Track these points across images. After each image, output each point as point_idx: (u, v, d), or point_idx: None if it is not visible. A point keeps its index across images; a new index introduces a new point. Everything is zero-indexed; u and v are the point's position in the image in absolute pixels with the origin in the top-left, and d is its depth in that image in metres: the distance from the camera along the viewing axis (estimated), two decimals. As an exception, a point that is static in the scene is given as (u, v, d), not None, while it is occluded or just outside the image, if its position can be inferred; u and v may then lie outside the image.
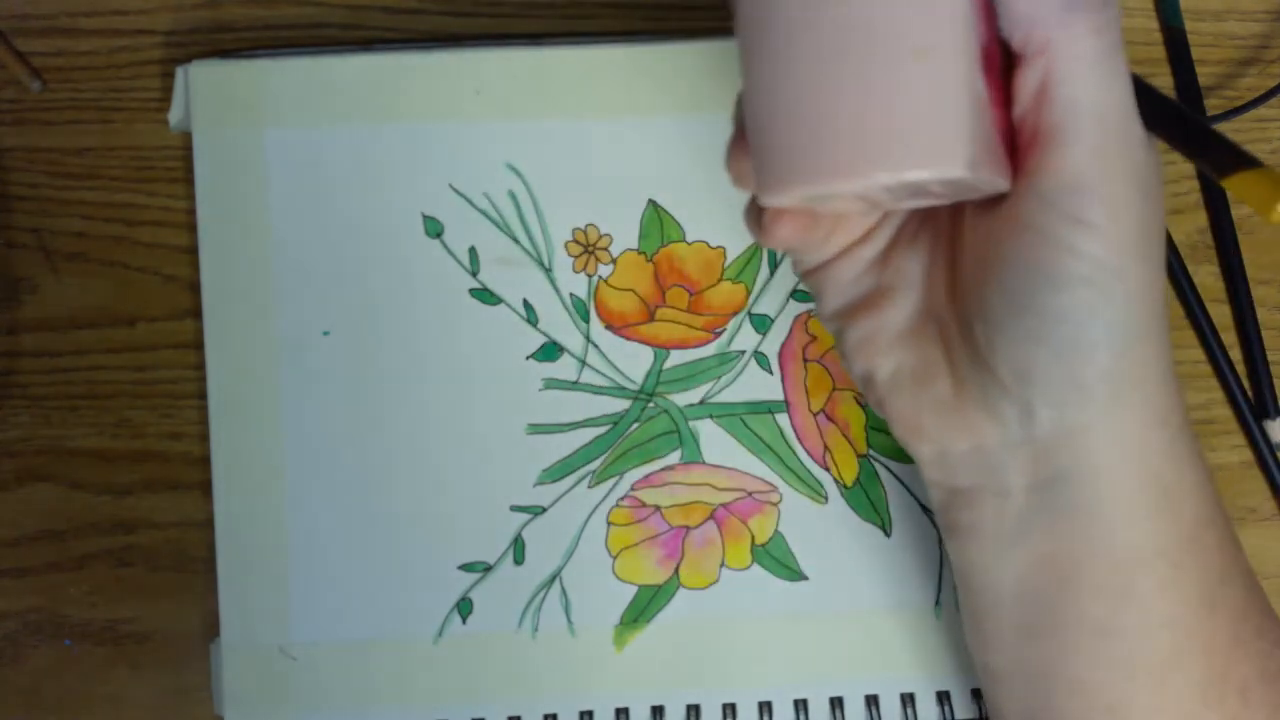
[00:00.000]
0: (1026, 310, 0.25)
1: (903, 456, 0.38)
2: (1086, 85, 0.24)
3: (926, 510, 0.38)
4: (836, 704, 0.37)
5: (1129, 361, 0.26)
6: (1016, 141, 0.26)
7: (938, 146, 0.23)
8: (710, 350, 0.38)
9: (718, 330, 0.38)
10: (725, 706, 0.37)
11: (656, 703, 0.37)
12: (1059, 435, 0.27)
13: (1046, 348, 0.26)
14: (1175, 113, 0.25)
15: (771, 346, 0.38)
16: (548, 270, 0.38)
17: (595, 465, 0.37)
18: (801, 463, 0.38)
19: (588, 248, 0.38)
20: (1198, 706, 0.28)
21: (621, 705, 0.37)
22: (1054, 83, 0.24)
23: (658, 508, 0.37)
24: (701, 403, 0.38)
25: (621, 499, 0.37)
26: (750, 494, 0.37)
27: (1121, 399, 0.26)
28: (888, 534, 0.37)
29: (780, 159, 0.24)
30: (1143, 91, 0.25)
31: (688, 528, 0.37)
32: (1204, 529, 0.28)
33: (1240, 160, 0.24)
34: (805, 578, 0.37)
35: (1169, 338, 0.27)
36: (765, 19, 0.24)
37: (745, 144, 0.26)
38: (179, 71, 0.37)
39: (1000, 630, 0.30)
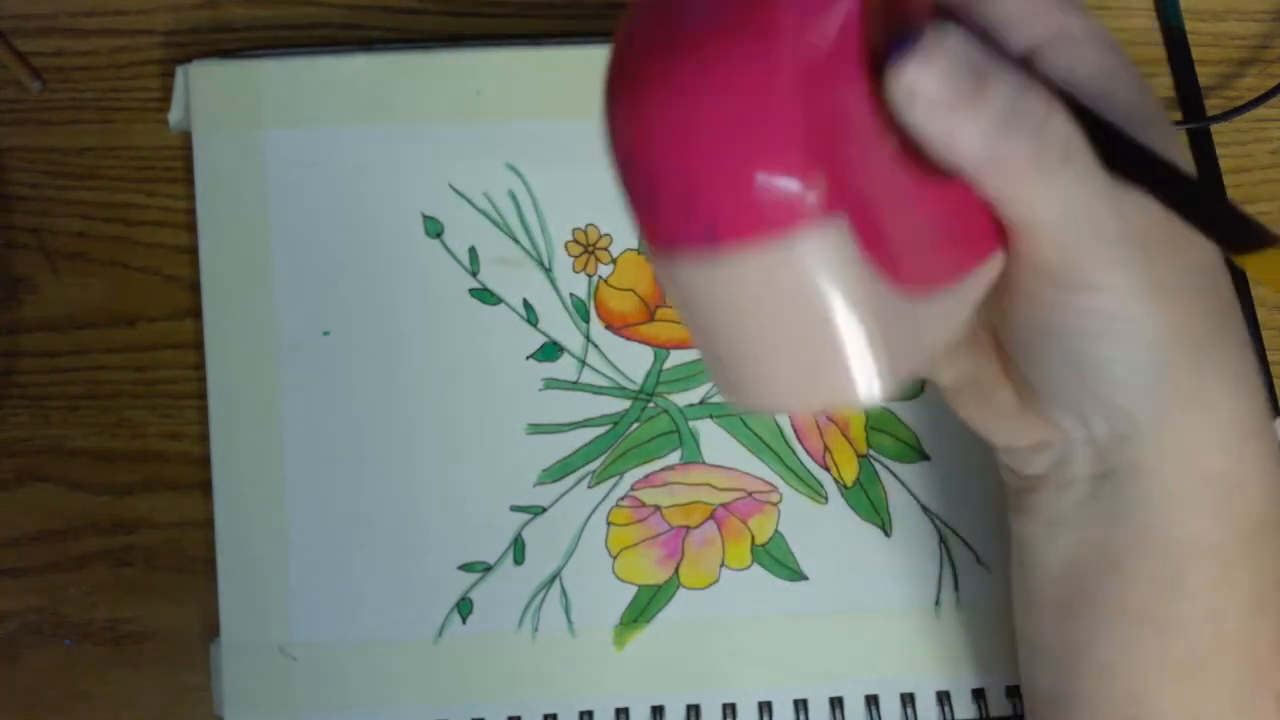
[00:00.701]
0: (1044, 358, 0.26)
1: (903, 457, 0.38)
2: (1038, 203, 0.22)
3: (926, 510, 0.38)
4: (836, 704, 0.37)
5: (1172, 384, 0.26)
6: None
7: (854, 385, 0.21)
8: (710, 350, 0.38)
9: (718, 330, 0.38)
10: (725, 706, 0.37)
11: (656, 703, 0.37)
12: (1114, 438, 0.27)
13: (1075, 385, 0.26)
14: (1177, 180, 0.23)
15: (771, 346, 0.38)
16: (548, 270, 0.38)
17: (595, 465, 0.37)
18: (801, 463, 0.38)
19: (588, 248, 0.38)
20: (1226, 708, 0.28)
21: (621, 705, 0.37)
22: (1003, 204, 0.23)
23: (658, 508, 0.37)
24: (702, 403, 0.38)
25: (621, 499, 0.37)
26: (750, 494, 0.37)
27: (1173, 411, 0.26)
28: (888, 534, 0.37)
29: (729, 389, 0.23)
30: (1136, 153, 0.23)
31: (688, 528, 0.37)
32: (1267, 532, 0.27)
33: (1259, 237, 0.21)
34: (805, 578, 0.37)
35: (1240, 337, 0.27)
36: (703, 315, 0.21)
37: None
38: (179, 71, 0.37)
39: (1042, 605, 0.30)
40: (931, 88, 0.20)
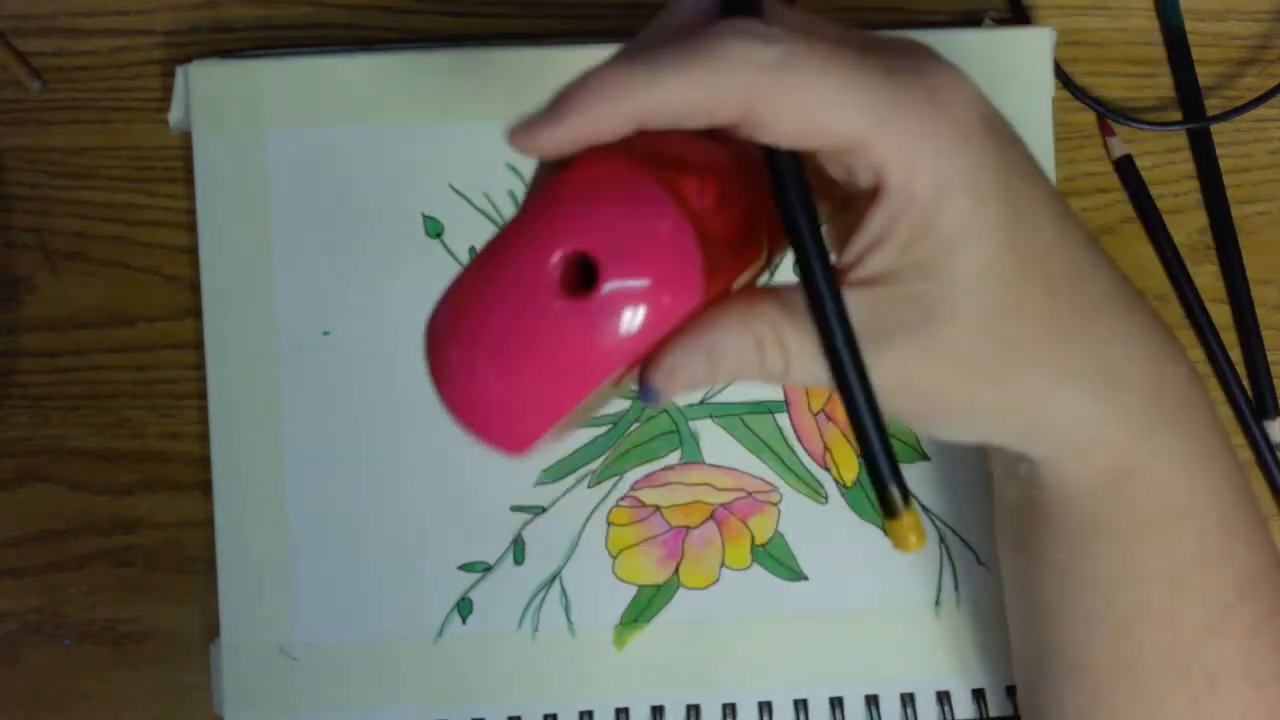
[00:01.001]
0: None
1: (903, 457, 0.38)
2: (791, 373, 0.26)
3: (926, 510, 0.38)
4: (836, 704, 0.37)
5: (1038, 423, 0.27)
6: None
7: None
8: (710, 350, 0.38)
9: (718, 330, 0.38)
10: (725, 706, 0.37)
11: (656, 703, 0.37)
12: None
13: None
14: (859, 423, 0.24)
15: (771, 346, 0.38)
16: (548, 270, 0.38)
17: (595, 465, 0.37)
18: (801, 463, 0.38)
19: (588, 248, 0.38)
20: (1156, 674, 0.29)
21: (621, 705, 0.37)
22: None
23: (658, 508, 0.37)
24: (702, 403, 0.38)
25: (621, 499, 0.37)
26: (750, 494, 0.37)
27: (1046, 432, 0.27)
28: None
29: None
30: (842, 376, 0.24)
31: (688, 528, 0.37)
32: (1172, 518, 0.28)
33: (886, 506, 0.24)
34: (805, 578, 0.37)
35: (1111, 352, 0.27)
36: None
37: None
38: (179, 71, 0.37)
39: (1004, 542, 0.33)
40: (679, 392, 0.26)
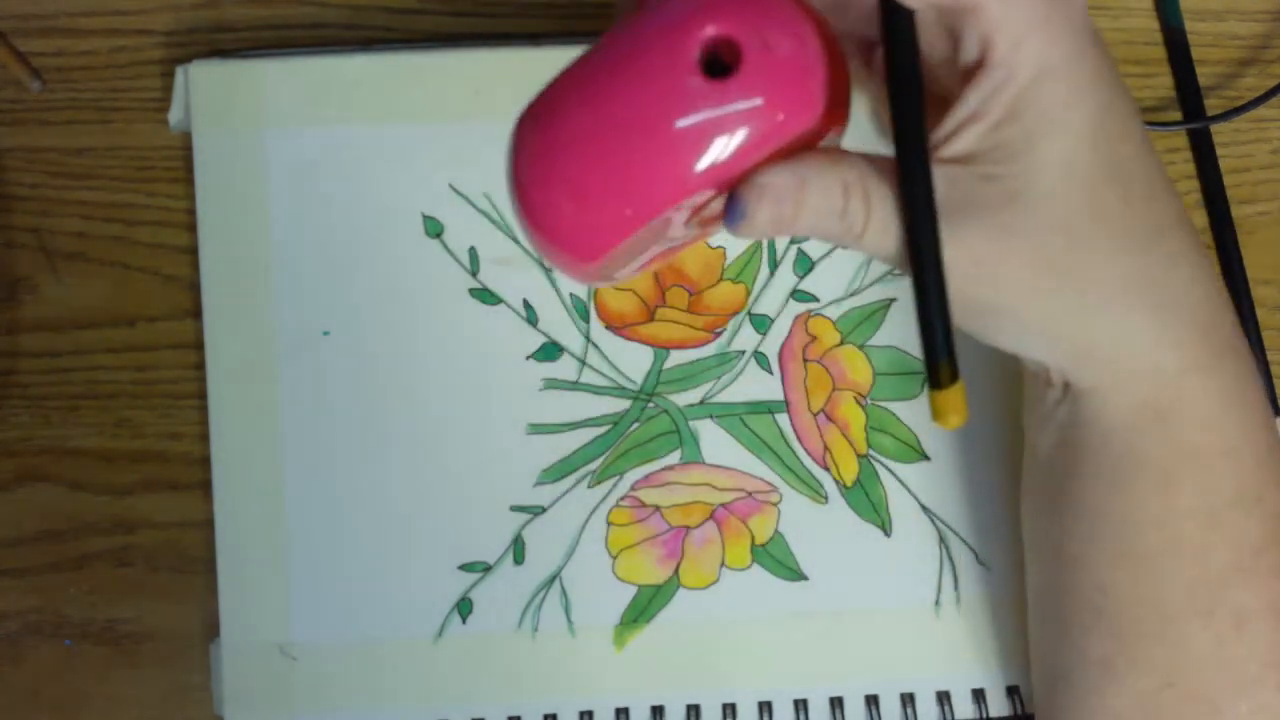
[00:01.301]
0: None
1: (903, 457, 0.38)
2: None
3: (926, 510, 0.38)
4: (836, 704, 0.37)
5: (1094, 339, 0.27)
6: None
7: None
8: (710, 350, 0.38)
9: (718, 330, 0.38)
10: (725, 706, 0.37)
11: (656, 703, 0.37)
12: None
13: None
14: (921, 315, 0.25)
15: (771, 346, 0.38)
16: (548, 270, 0.38)
17: (595, 465, 0.37)
18: (801, 463, 0.38)
19: (588, 248, 0.38)
20: (1183, 608, 0.29)
21: (621, 705, 0.37)
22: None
23: (658, 508, 0.37)
24: (701, 403, 0.38)
25: (621, 499, 0.37)
26: (750, 494, 0.37)
27: (1098, 354, 0.28)
28: (888, 534, 0.37)
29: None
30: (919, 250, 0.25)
31: (688, 528, 0.37)
32: (1208, 456, 0.28)
33: (934, 377, 0.25)
34: (805, 578, 0.37)
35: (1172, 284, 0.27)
36: None
37: None
38: (179, 71, 0.38)
39: (1033, 503, 0.33)
40: (764, 217, 0.26)
